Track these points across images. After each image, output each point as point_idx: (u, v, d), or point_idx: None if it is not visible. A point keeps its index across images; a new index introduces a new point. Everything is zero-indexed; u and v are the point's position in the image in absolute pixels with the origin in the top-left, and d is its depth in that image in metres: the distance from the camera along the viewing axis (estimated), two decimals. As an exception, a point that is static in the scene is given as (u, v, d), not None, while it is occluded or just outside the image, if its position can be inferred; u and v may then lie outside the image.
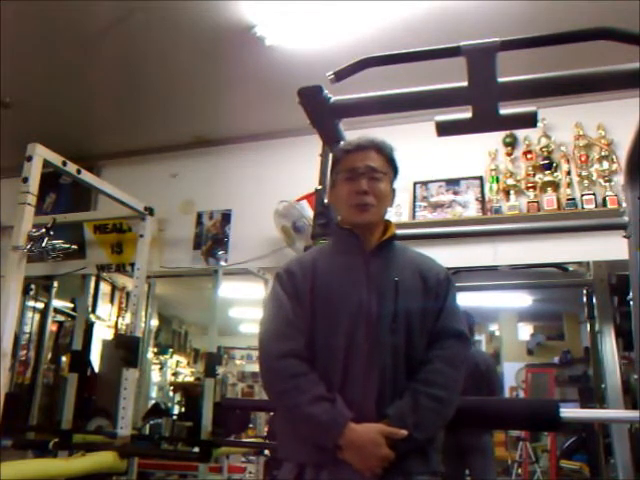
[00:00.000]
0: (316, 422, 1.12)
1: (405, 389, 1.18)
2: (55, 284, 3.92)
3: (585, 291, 2.77)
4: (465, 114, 1.37)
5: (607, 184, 2.60)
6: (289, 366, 1.17)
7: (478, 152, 2.88)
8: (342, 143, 1.44)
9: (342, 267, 1.28)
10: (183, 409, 4.86)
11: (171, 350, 5.63)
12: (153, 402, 4.67)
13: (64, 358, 4.14)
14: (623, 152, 1.87)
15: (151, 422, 4.08)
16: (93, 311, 4.22)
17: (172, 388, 5.36)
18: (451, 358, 1.22)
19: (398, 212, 2.85)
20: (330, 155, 1.71)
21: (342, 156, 1.35)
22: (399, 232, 1.40)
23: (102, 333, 4.41)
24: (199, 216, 3.43)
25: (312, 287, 1.24)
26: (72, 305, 4.24)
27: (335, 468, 1.13)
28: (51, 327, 4.10)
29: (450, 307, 1.28)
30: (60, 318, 4.30)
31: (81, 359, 3.59)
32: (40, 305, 4.02)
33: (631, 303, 1.55)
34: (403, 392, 1.18)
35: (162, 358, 5.43)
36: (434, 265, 1.35)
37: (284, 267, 1.32)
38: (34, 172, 2.05)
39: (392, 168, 1.35)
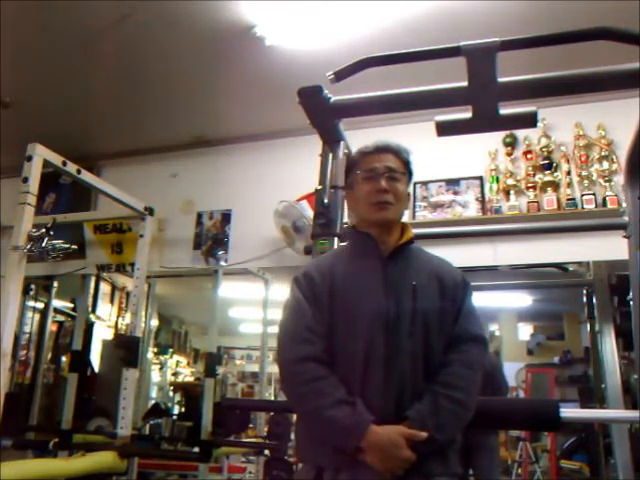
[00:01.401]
0: (338, 426, 1.12)
1: (423, 392, 1.18)
2: (55, 284, 3.92)
3: (585, 291, 2.76)
4: (465, 114, 1.37)
5: (607, 184, 2.60)
6: (309, 370, 1.18)
7: (478, 152, 2.88)
8: (350, 148, 1.45)
9: (360, 272, 1.28)
10: (183, 409, 4.86)
11: (171, 350, 5.62)
12: (153, 402, 4.66)
13: (64, 358, 4.14)
14: (623, 152, 1.87)
15: (151, 422, 4.08)
16: (93, 311, 4.22)
17: (172, 388, 5.35)
18: (469, 361, 1.23)
19: (398, 212, 2.85)
20: (330, 155, 1.72)
21: (360, 158, 1.36)
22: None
23: (102, 333, 4.41)
24: (199, 216, 3.43)
25: (330, 292, 1.25)
26: (72, 305, 4.24)
27: (354, 471, 1.13)
28: (51, 327, 4.09)
29: (468, 310, 1.29)
30: (60, 318, 4.30)
31: (81, 359, 3.59)
32: (40, 305, 4.02)
33: (631, 303, 1.55)
34: (422, 395, 1.18)
35: (162, 358, 5.42)
36: (451, 269, 1.36)
37: (302, 271, 1.32)
38: (34, 172, 2.05)
39: (408, 172, 1.36)
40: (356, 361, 1.18)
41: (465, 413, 1.19)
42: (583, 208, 2.59)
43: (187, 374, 5.80)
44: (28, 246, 1.97)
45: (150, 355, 4.67)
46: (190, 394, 4.80)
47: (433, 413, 1.14)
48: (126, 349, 2.64)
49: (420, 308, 1.22)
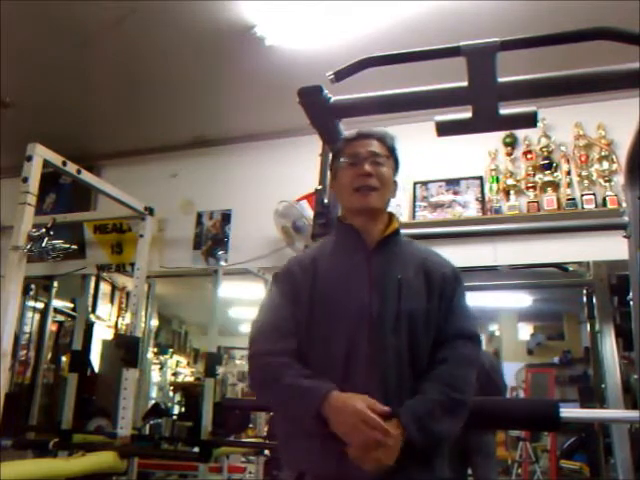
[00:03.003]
0: (298, 391, 1.09)
1: (411, 391, 1.14)
2: (55, 284, 3.91)
3: (585, 291, 2.76)
4: (465, 114, 1.37)
5: (607, 184, 2.60)
6: (277, 360, 1.15)
7: (478, 152, 2.88)
8: (343, 134, 1.41)
9: (343, 267, 1.24)
10: (183, 409, 4.86)
11: (171, 350, 5.63)
12: (153, 402, 4.67)
13: (64, 358, 4.14)
14: (623, 152, 1.87)
15: (151, 422, 4.08)
16: (93, 311, 4.22)
17: (172, 388, 5.35)
18: (463, 359, 1.18)
19: (398, 212, 2.85)
20: (330, 155, 1.72)
21: (344, 145, 1.34)
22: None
23: (102, 333, 4.41)
24: (199, 216, 3.43)
25: (312, 287, 1.21)
26: (72, 305, 4.24)
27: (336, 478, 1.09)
28: (51, 327, 4.09)
29: (459, 307, 1.24)
30: (60, 318, 4.30)
31: (81, 359, 3.59)
32: (40, 305, 4.02)
33: (631, 303, 1.55)
34: (410, 394, 1.13)
35: (162, 358, 5.42)
36: (440, 261, 1.31)
37: (283, 267, 1.29)
38: (34, 172, 2.05)
39: (394, 159, 1.33)
40: (337, 360, 1.14)
41: (462, 412, 1.14)
42: (583, 208, 2.59)
43: (187, 374, 5.81)
44: (28, 246, 1.97)
45: (150, 355, 4.67)
46: (190, 394, 4.80)
47: (426, 407, 1.09)
48: (126, 349, 2.64)
49: (405, 304, 1.17)
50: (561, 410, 1.42)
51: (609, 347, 2.40)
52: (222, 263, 3.28)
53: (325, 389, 1.07)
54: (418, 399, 1.11)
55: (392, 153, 1.33)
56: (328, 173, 1.72)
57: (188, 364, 5.90)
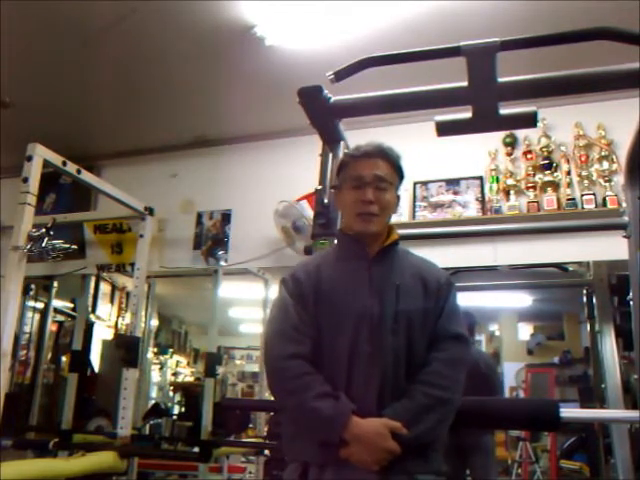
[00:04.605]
0: (320, 416, 1.14)
1: (404, 391, 1.20)
2: (55, 284, 3.92)
3: (585, 291, 2.76)
4: (465, 114, 1.37)
5: (607, 184, 2.60)
6: (295, 366, 1.20)
7: (478, 152, 2.88)
8: (349, 148, 1.45)
9: (346, 273, 1.31)
10: (183, 409, 4.87)
11: (171, 350, 5.63)
12: (153, 402, 4.67)
13: (64, 358, 4.14)
14: (623, 152, 1.87)
15: (151, 422, 4.08)
16: (93, 311, 4.22)
17: (172, 388, 5.36)
18: (449, 359, 1.25)
19: (398, 212, 2.84)
20: (330, 155, 1.72)
21: (349, 162, 1.36)
22: (399, 232, 1.40)
23: (102, 333, 4.41)
24: (199, 216, 3.43)
25: (317, 293, 1.28)
26: (72, 305, 4.24)
27: (339, 467, 1.15)
28: (51, 327, 4.09)
29: (449, 309, 1.31)
30: (60, 318, 4.30)
31: (81, 359, 3.59)
32: (40, 305, 4.02)
33: (631, 303, 1.55)
34: (402, 394, 1.20)
35: (162, 358, 5.42)
36: (435, 270, 1.38)
37: (290, 273, 1.35)
38: (34, 172, 2.05)
39: (398, 175, 1.36)
40: (341, 359, 1.21)
41: (445, 410, 1.20)
42: (583, 208, 2.59)
43: (187, 374, 5.81)
44: (28, 246, 1.97)
45: (150, 355, 4.67)
46: (190, 394, 4.81)
47: (408, 410, 1.16)
48: (126, 349, 2.64)
49: (404, 307, 1.24)
50: (561, 410, 1.42)
51: (609, 347, 2.40)
52: (222, 263, 3.28)
53: (345, 415, 1.13)
54: (403, 403, 1.18)
55: (397, 171, 1.35)
56: (328, 173, 1.72)
57: (188, 364, 5.90)
